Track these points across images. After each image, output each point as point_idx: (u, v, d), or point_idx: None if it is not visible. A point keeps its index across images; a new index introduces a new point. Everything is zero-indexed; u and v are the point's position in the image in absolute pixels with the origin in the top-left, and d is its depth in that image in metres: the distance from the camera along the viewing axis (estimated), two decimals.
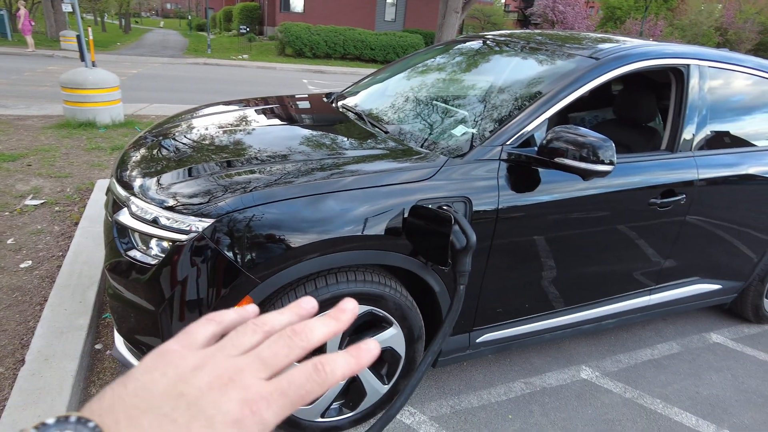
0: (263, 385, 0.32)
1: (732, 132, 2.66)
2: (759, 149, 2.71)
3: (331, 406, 1.99)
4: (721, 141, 2.59)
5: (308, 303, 0.40)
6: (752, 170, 2.62)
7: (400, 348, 1.97)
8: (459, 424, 2.16)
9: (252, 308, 0.40)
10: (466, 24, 27.85)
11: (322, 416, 1.98)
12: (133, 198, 1.84)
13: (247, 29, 23.85)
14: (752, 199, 2.67)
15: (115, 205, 1.94)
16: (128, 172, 2.04)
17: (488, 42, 2.92)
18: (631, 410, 2.37)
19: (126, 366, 1.89)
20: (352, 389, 1.99)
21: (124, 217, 1.82)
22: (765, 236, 2.82)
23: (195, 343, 0.35)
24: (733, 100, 2.69)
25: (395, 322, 1.91)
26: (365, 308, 1.83)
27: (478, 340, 2.18)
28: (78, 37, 6.59)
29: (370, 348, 0.37)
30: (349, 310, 0.38)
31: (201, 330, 0.36)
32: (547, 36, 2.79)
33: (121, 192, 1.92)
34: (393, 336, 1.93)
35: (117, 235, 1.84)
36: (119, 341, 1.96)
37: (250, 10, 27.27)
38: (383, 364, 2.02)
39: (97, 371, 2.24)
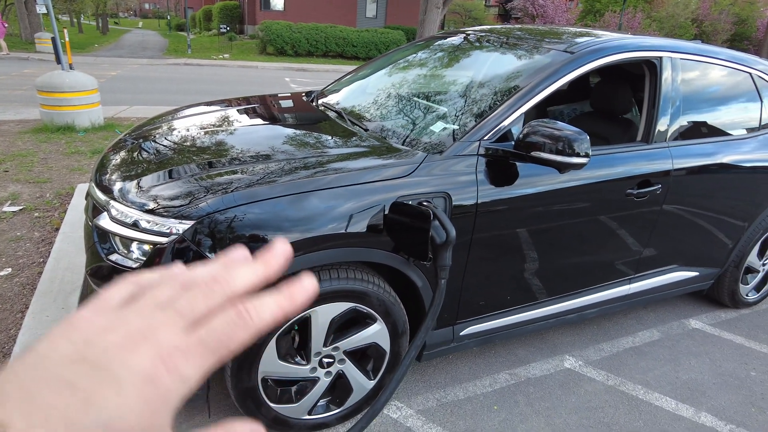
0: (179, 338, 0.29)
1: (705, 122, 2.72)
2: (731, 138, 2.77)
3: (318, 403, 2.00)
4: (694, 131, 2.65)
5: (238, 252, 0.36)
6: (725, 159, 2.69)
7: (385, 343, 1.99)
8: (445, 417, 2.19)
9: (177, 266, 0.35)
10: (448, 19, 27.90)
11: (310, 413, 1.99)
12: (112, 202, 1.83)
13: (228, 28, 23.63)
14: (726, 187, 2.74)
15: (95, 209, 1.93)
16: (107, 175, 2.03)
17: (468, 37, 2.94)
18: (613, 397, 2.42)
19: None
20: (339, 386, 2.01)
21: (104, 221, 1.81)
22: (739, 223, 2.89)
23: (108, 305, 0.31)
24: (706, 91, 2.75)
25: (379, 318, 1.93)
26: (349, 305, 1.85)
27: (462, 333, 2.21)
28: (53, 39, 6.48)
29: (304, 284, 0.33)
30: (280, 253, 0.35)
31: (116, 292, 0.32)
32: (527, 31, 2.83)
33: (101, 196, 1.91)
34: (377, 332, 1.95)
35: (97, 240, 1.83)
36: None
37: (230, 9, 27.01)
38: (369, 359, 2.04)
39: None
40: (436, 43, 3.06)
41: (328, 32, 19.51)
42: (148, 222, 1.69)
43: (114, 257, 1.76)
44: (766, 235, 3.06)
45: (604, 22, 23.99)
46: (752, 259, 3.13)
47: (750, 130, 2.88)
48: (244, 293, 0.32)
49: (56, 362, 0.26)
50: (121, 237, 1.75)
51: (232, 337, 0.30)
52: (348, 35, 19.73)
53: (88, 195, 2.11)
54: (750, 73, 2.91)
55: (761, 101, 2.93)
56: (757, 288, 3.32)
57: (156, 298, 0.31)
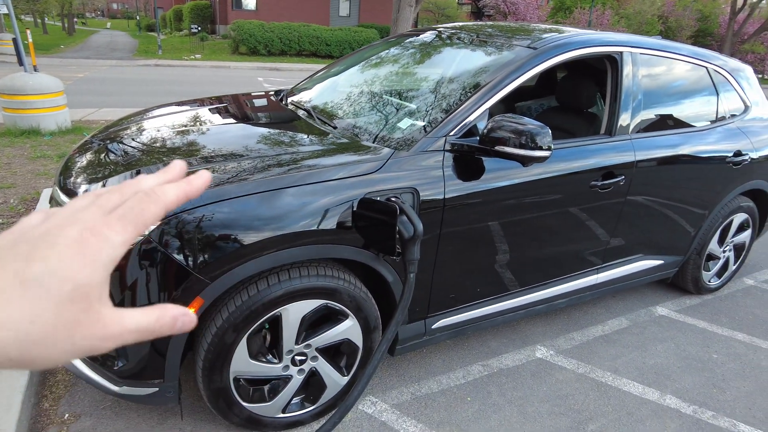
0: (101, 218, 0.35)
1: (666, 115, 2.80)
2: (691, 131, 2.87)
3: (292, 401, 2.01)
4: (656, 124, 2.74)
5: (177, 166, 0.43)
6: (685, 150, 2.78)
7: (358, 339, 2.01)
8: (420, 410, 2.22)
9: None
10: (421, 17, 27.99)
11: (284, 411, 1.99)
12: None
13: (199, 28, 23.27)
14: (687, 177, 2.83)
15: None
16: (72, 179, 1.99)
17: (439, 34, 2.97)
18: (583, 384, 2.48)
19: (80, 377, 1.86)
20: (312, 383, 2.02)
21: None
22: (700, 211, 3.00)
23: (32, 220, 0.37)
24: (666, 84, 2.84)
25: (351, 314, 1.94)
26: (320, 302, 1.86)
27: (433, 327, 2.24)
28: (14, 40, 6.30)
29: (201, 174, 0.41)
30: (202, 176, 0.42)
31: (35, 215, 0.38)
32: (497, 28, 2.87)
33: (65, 200, 1.88)
34: (349, 328, 1.96)
35: None
36: None
37: (200, 8, 26.60)
38: (342, 355, 2.05)
39: (49, 385, 2.18)
40: (408, 40, 3.08)
41: (301, 31, 19.39)
42: None
43: None
44: (725, 222, 3.17)
45: (574, 19, 24.41)
46: (713, 246, 3.24)
47: (708, 122, 2.98)
48: (155, 187, 0.40)
49: (1, 247, 0.33)
50: None
51: (144, 210, 0.37)
52: (321, 34, 19.64)
53: (52, 199, 2.07)
54: (707, 68, 3.02)
55: (717, 95, 3.04)
56: (719, 274, 3.44)
57: (74, 204, 0.37)
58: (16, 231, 0.34)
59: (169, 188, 0.39)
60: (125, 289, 1.64)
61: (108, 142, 2.28)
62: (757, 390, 2.55)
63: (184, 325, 0.39)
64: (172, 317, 0.38)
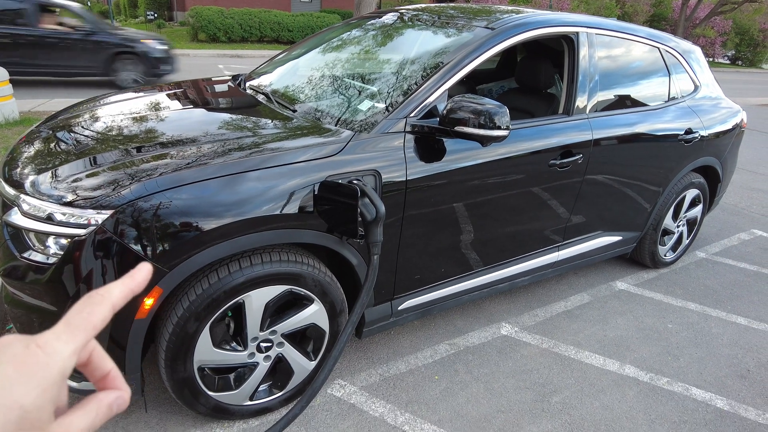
0: (50, 331, 0.35)
1: (621, 94, 2.88)
2: (646, 109, 2.95)
3: (260, 388, 1.99)
4: (612, 103, 2.80)
5: (142, 272, 0.44)
6: (640, 129, 2.86)
7: (324, 323, 2.01)
8: (388, 391, 2.24)
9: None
10: (384, 1, 27.72)
11: (251, 399, 1.98)
12: (23, 196, 1.72)
13: (155, 15, 22.41)
14: (643, 154, 2.92)
15: (5, 206, 1.81)
16: (18, 169, 1.90)
17: (400, 16, 2.94)
18: (547, 359, 2.56)
19: None
20: (279, 369, 2.01)
21: (14, 217, 1.70)
22: (655, 188, 3.10)
23: None
24: (621, 64, 2.91)
25: (316, 298, 1.94)
26: (284, 288, 1.84)
27: (400, 308, 2.26)
28: None
29: (142, 268, 0.42)
30: (143, 269, 0.43)
31: None
32: (459, 9, 2.86)
33: (10, 191, 1.79)
34: (315, 312, 1.96)
35: (9, 238, 1.72)
36: None
37: None
38: (309, 340, 2.04)
39: None
40: (369, 22, 3.05)
41: (261, 17, 18.95)
42: (64, 214, 1.61)
43: (28, 254, 1.66)
44: (678, 198, 3.30)
45: (535, 2, 24.65)
46: (668, 221, 3.37)
47: (661, 101, 3.07)
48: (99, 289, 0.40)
49: None
50: (36, 232, 1.65)
51: (92, 315, 0.37)
52: (283, 20, 19.25)
53: None
54: (659, 49, 3.11)
55: (669, 75, 3.13)
56: (674, 248, 3.58)
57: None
58: None
59: (112, 287, 0.40)
60: (79, 281, 1.58)
61: (57, 130, 2.18)
62: (707, 356, 2.68)
63: (119, 407, 0.40)
64: (107, 406, 0.39)
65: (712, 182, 3.56)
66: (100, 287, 0.40)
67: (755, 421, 2.26)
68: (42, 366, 0.32)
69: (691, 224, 3.60)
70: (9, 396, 0.30)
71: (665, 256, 3.55)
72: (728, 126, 3.39)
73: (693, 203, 3.48)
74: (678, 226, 3.49)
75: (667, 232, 3.45)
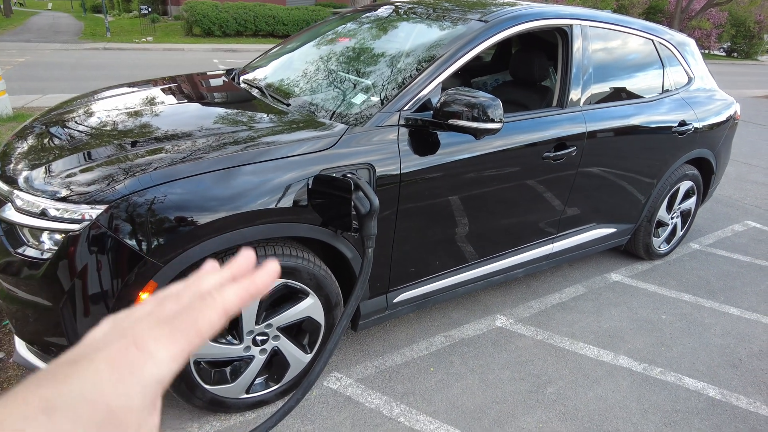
0: (150, 330, 0.32)
1: (615, 86, 2.88)
2: (640, 102, 2.96)
3: (256, 381, 2.00)
4: (606, 95, 2.81)
5: (208, 264, 0.40)
6: (634, 121, 2.87)
7: (319, 316, 2.02)
8: (384, 383, 2.26)
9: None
10: None
11: (247, 392, 1.99)
12: (17, 192, 1.72)
13: (149, 9, 22.26)
14: (637, 147, 2.93)
15: None
16: (11, 165, 1.90)
17: (395, 9, 2.94)
18: (542, 350, 2.58)
19: (32, 370, 1.80)
20: (275, 362, 2.02)
21: (8, 212, 1.70)
22: (649, 180, 3.12)
23: (94, 337, 0.34)
24: (615, 56, 2.91)
25: (311, 292, 1.95)
26: (279, 282, 1.85)
27: (395, 300, 2.27)
28: None
29: (267, 269, 0.38)
30: (269, 271, 0.38)
31: (98, 329, 0.35)
32: (453, 2, 2.86)
33: (3, 187, 1.79)
34: (310, 305, 1.97)
35: (3, 234, 1.72)
36: (20, 345, 1.86)
37: None
38: (304, 333, 2.05)
39: (0, 381, 2.11)
40: (364, 15, 3.04)
41: (257, 11, 18.85)
42: (58, 210, 1.61)
43: (23, 250, 1.66)
44: (672, 190, 3.32)
45: None
46: (662, 213, 3.39)
47: (655, 94, 3.08)
48: (213, 290, 0.36)
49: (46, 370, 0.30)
50: (30, 228, 1.66)
51: (199, 318, 0.34)
52: (278, 13, 19.15)
53: None
54: (653, 41, 3.11)
55: (663, 67, 3.14)
56: (668, 240, 3.60)
57: (135, 312, 0.35)
58: (77, 349, 0.32)
59: (229, 290, 0.36)
60: (74, 276, 1.59)
61: (51, 125, 2.18)
62: (700, 346, 2.70)
63: (271, 276, 0.38)
64: (260, 281, 0.38)
65: (706, 174, 3.58)
66: (213, 285, 0.36)
67: (746, 409, 2.29)
68: (137, 368, 0.30)
69: (685, 216, 3.62)
70: (97, 392, 0.28)
71: (659, 247, 3.57)
72: (722, 118, 3.41)
73: (687, 195, 3.50)
74: (672, 218, 3.51)
75: (661, 224, 3.47)
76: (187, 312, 0.34)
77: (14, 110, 5.93)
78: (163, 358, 0.31)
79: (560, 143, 2.50)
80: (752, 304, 3.14)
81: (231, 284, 0.36)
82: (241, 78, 2.74)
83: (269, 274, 0.38)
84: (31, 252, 1.64)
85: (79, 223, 1.57)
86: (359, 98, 2.16)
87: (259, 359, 1.95)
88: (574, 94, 2.62)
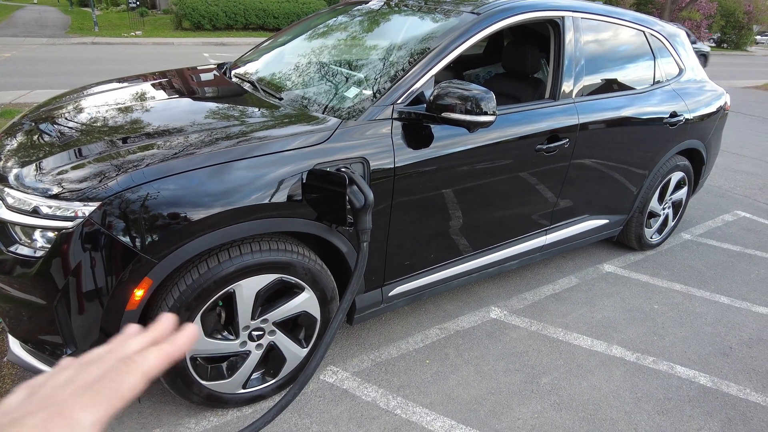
0: (73, 397, 0.33)
1: (607, 78, 2.89)
2: (631, 93, 2.97)
3: (252, 376, 2.01)
4: (598, 87, 2.82)
5: (131, 328, 0.42)
6: (625, 112, 2.88)
7: (315, 311, 2.02)
8: (380, 375, 2.27)
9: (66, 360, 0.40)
10: None
11: (244, 387, 2.00)
12: (7, 190, 1.70)
13: (138, 3, 22.00)
14: (628, 138, 2.95)
15: None
16: (1, 162, 1.87)
17: (386, 1, 2.92)
18: (536, 341, 2.60)
19: (27, 369, 1.79)
20: (272, 357, 2.02)
21: (0, 211, 1.68)
22: (640, 171, 3.14)
23: (9, 405, 0.35)
24: (607, 48, 2.92)
25: (307, 286, 1.95)
26: (274, 277, 1.85)
27: (390, 294, 2.28)
28: None
29: (186, 331, 0.40)
30: (188, 333, 0.40)
31: (13, 398, 0.35)
32: None
33: None
34: (306, 300, 1.97)
35: None
36: (14, 344, 1.85)
37: None
38: (300, 328, 2.06)
39: None
40: (355, 8, 3.02)
41: (246, 3, 18.69)
42: (50, 207, 1.59)
43: (14, 248, 1.65)
44: (664, 181, 3.34)
45: None
46: (654, 204, 3.42)
47: (646, 85, 3.10)
48: (135, 354, 0.38)
49: None
50: (22, 225, 1.64)
51: (120, 383, 0.35)
52: (268, 6, 19.00)
53: None
54: (644, 32, 3.12)
55: (654, 58, 3.15)
56: (659, 231, 3.63)
57: (54, 379, 0.35)
58: (7, 403, 0.32)
59: (150, 355, 0.37)
60: (67, 274, 1.58)
61: (40, 122, 2.15)
62: (691, 334, 2.74)
63: (189, 340, 0.40)
64: (180, 343, 0.39)
65: (697, 165, 3.61)
66: (135, 350, 0.37)
67: (736, 396, 2.33)
68: None
69: (677, 207, 3.65)
70: None
71: (651, 238, 3.60)
72: (712, 109, 3.43)
73: (678, 186, 3.53)
74: (664, 209, 3.54)
75: (653, 215, 3.50)
76: (111, 377, 0.35)
77: (1, 107, 5.85)
78: (87, 423, 0.32)
79: (553, 135, 2.51)
80: (742, 293, 3.18)
81: (152, 348, 0.38)
82: (233, 72, 2.72)
83: (188, 337, 0.40)
84: (23, 250, 1.63)
85: (71, 221, 1.56)
86: (352, 92, 2.16)
87: (256, 354, 1.96)
88: (567, 86, 2.63)
